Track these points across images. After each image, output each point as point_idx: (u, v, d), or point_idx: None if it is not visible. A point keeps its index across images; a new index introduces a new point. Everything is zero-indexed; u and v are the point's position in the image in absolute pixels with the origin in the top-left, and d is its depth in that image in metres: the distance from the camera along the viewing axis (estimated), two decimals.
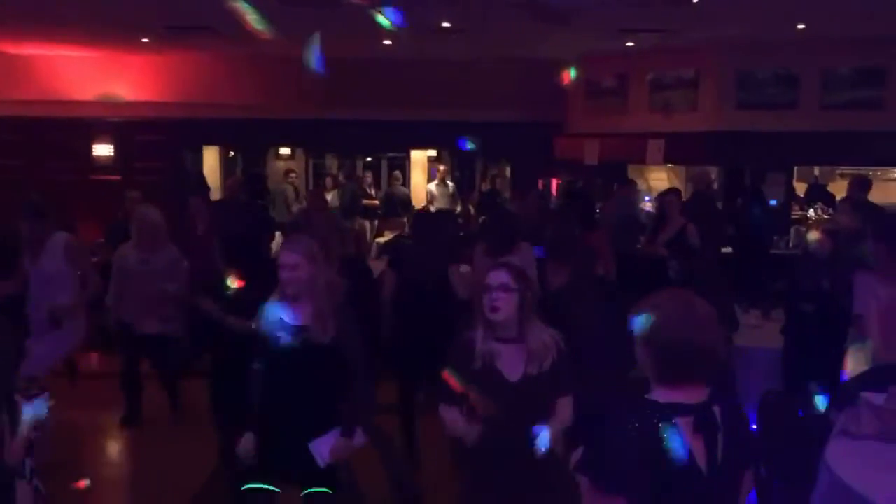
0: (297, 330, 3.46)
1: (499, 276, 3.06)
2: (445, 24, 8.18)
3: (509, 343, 3.05)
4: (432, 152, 13.91)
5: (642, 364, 2.11)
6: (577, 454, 2.17)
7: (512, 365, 3.04)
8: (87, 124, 11.58)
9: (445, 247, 5.32)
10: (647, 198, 10.79)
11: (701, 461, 2.03)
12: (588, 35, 8.81)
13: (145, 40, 9.72)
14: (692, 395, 2.07)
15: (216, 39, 9.21)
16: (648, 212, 9.87)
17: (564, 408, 3.08)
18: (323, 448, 3.47)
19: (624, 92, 10.33)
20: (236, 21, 7.64)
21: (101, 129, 11.69)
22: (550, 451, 2.99)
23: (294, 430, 3.46)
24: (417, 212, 6.65)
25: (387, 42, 9.18)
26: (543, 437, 3.16)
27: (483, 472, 3.07)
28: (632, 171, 10.76)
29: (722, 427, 2.06)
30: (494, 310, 3.01)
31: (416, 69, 10.53)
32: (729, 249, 8.41)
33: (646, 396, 2.10)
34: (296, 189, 12.89)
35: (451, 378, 3.08)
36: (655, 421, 2.01)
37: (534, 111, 10.96)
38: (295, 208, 11.65)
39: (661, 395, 2.09)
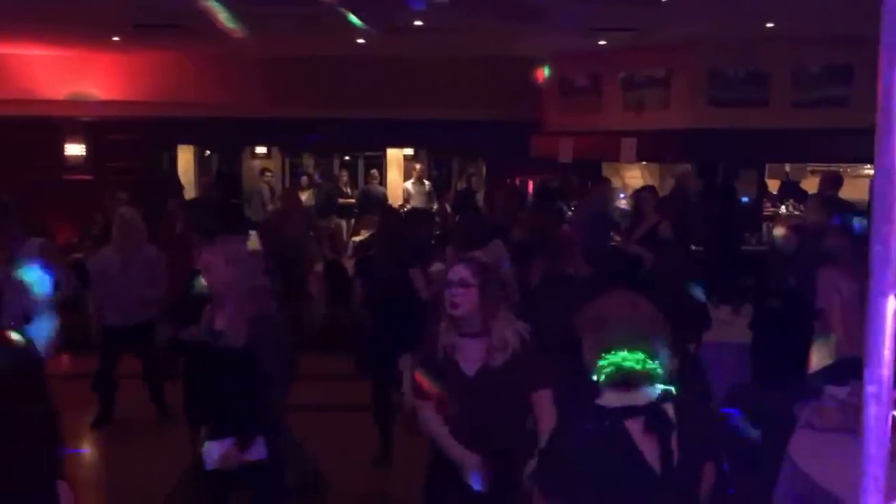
0: (217, 334, 3.50)
1: (458, 272, 3.04)
2: (418, 23, 8.18)
3: (473, 337, 3.03)
4: (409, 151, 13.90)
5: (590, 366, 2.11)
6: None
7: (471, 359, 3.02)
8: (59, 124, 11.43)
9: (409, 250, 5.35)
10: (621, 195, 10.87)
11: (654, 461, 2.02)
12: (561, 34, 8.85)
13: (116, 39, 9.62)
14: (641, 397, 2.06)
15: (189, 38, 9.14)
16: (623, 209, 9.94)
17: (543, 400, 2.98)
18: (214, 452, 3.47)
19: (597, 90, 10.38)
20: (208, 19, 7.62)
21: (72, 129, 11.55)
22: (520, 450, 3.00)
23: (219, 433, 3.49)
24: (382, 211, 6.64)
25: (360, 41, 9.17)
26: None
27: (447, 467, 3.07)
28: (607, 169, 10.82)
29: (677, 424, 2.05)
30: (453, 305, 3.00)
31: (392, 68, 10.50)
32: (700, 247, 8.47)
33: (595, 401, 2.08)
34: (271, 188, 12.83)
35: (421, 378, 3.09)
36: (604, 425, 2.00)
37: (509, 109, 10.96)
38: (270, 207, 11.59)
39: (609, 398, 2.08)
